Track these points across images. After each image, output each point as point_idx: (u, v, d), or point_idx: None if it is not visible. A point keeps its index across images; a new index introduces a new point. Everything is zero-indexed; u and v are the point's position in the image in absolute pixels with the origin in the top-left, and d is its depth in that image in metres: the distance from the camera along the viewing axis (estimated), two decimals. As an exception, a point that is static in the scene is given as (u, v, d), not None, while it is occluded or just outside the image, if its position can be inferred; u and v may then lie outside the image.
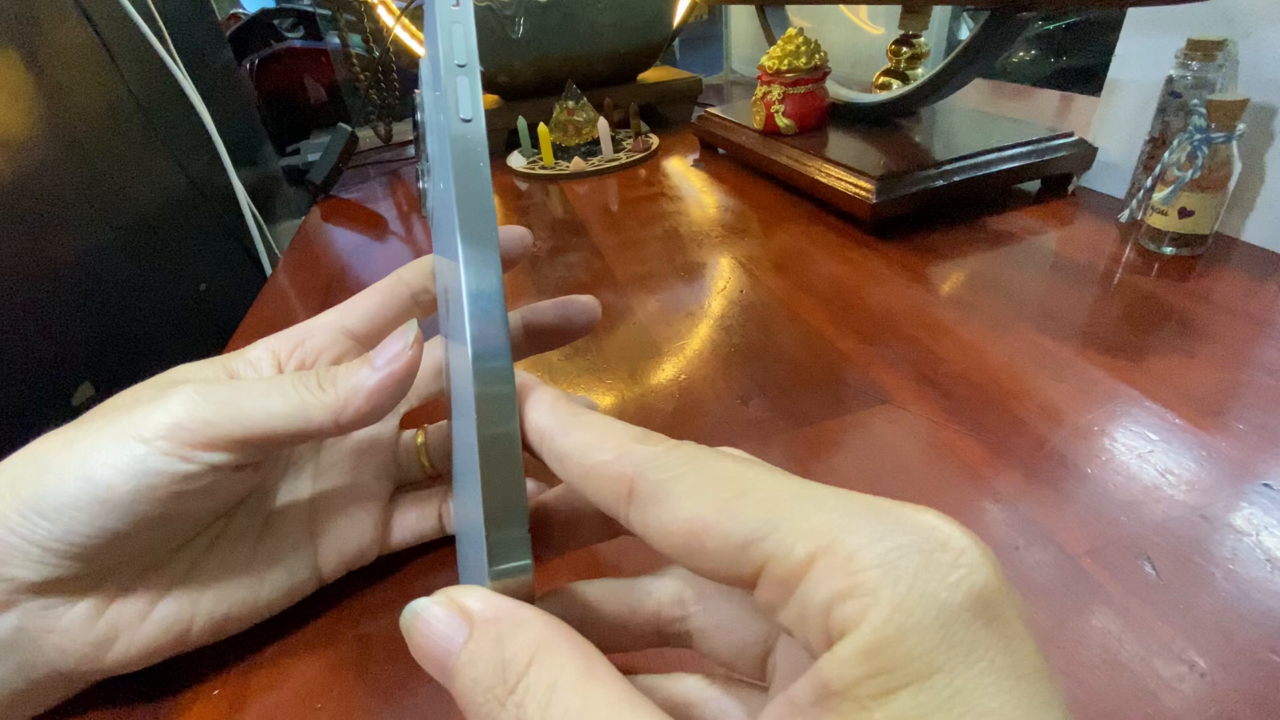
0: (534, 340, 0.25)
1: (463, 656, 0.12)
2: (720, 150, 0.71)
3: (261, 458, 0.21)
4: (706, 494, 0.11)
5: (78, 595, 0.19)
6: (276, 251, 0.90)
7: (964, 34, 0.80)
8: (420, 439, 0.27)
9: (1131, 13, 0.48)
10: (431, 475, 0.27)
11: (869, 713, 0.09)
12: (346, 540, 0.23)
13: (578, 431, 0.13)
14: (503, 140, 0.83)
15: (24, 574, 0.17)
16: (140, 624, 0.19)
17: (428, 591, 0.13)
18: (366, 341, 0.24)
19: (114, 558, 0.19)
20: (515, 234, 0.25)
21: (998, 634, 0.09)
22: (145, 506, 0.17)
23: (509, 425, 0.14)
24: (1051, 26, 0.79)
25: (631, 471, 0.12)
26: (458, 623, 0.12)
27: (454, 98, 0.15)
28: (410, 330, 0.19)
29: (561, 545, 0.18)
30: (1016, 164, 0.50)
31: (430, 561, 0.26)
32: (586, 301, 0.25)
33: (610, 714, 0.10)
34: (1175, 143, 0.40)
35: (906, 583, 0.09)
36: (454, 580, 0.25)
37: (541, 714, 0.10)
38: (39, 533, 0.17)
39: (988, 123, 0.56)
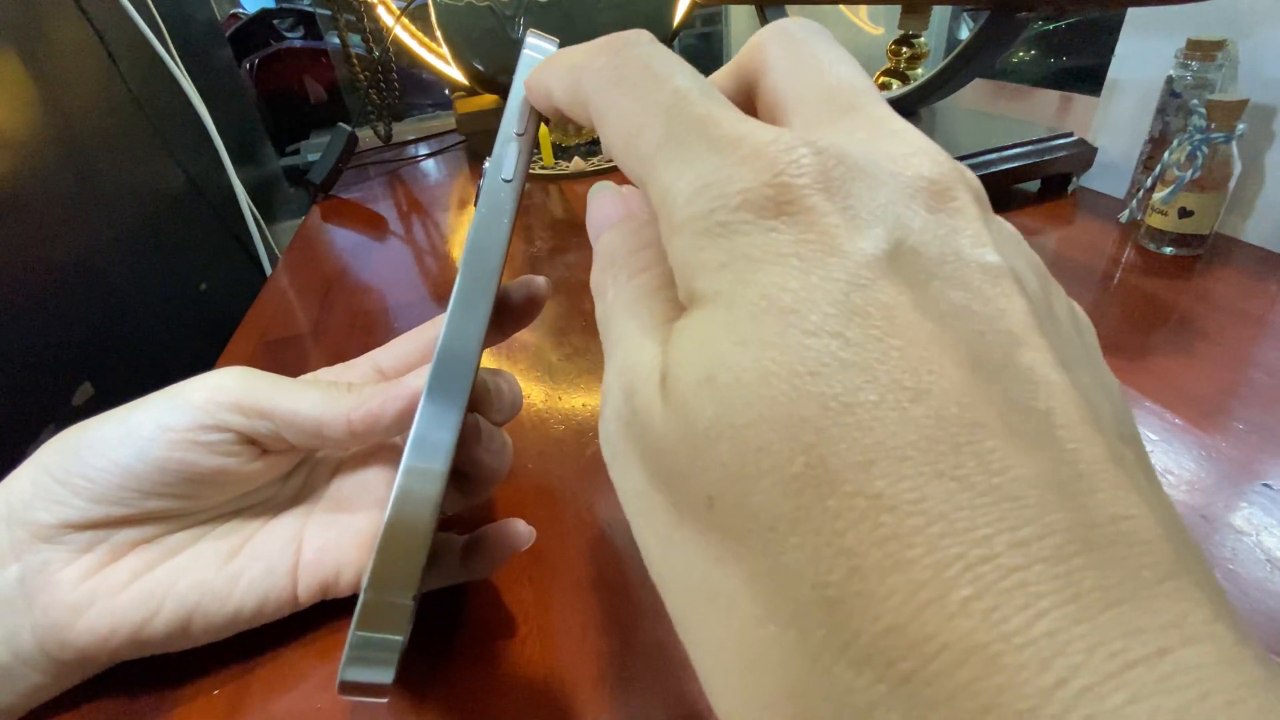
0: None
1: (606, 233, 0.14)
2: (720, 150, 0.71)
3: (277, 447, 0.21)
4: (621, 124, 0.12)
5: (77, 551, 0.20)
6: (276, 251, 0.90)
7: (964, 34, 0.80)
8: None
9: (1131, 13, 0.48)
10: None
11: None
12: (325, 558, 0.23)
13: (552, 68, 0.15)
14: (503, 140, 0.83)
15: (45, 516, 0.19)
16: (117, 594, 0.20)
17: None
18: (392, 376, 0.25)
19: (122, 501, 0.20)
20: (532, 286, 0.23)
21: (785, 226, 0.09)
22: (160, 449, 0.19)
23: (428, 500, 0.16)
24: (1051, 26, 0.79)
25: (585, 100, 0.13)
26: (618, 211, 0.14)
27: (499, 157, 0.18)
28: None
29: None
30: (1016, 164, 0.50)
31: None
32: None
33: (631, 322, 0.12)
34: (1175, 143, 0.40)
35: (700, 213, 0.10)
36: (472, 589, 0.25)
37: (615, 290, 0.13)
38: (70, 469, 0.19)
39: (988, 123, 0.56)
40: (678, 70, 0.12)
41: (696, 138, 0.11)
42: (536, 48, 0.18)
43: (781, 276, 0.09)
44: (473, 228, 0.17)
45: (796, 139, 0.10)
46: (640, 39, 0.13)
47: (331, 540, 0.23)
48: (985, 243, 0.10)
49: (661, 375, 0.10)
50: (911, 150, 0.11)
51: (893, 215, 0.10)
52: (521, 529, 0.23)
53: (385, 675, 0.16)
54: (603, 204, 0.14)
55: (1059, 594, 0.07)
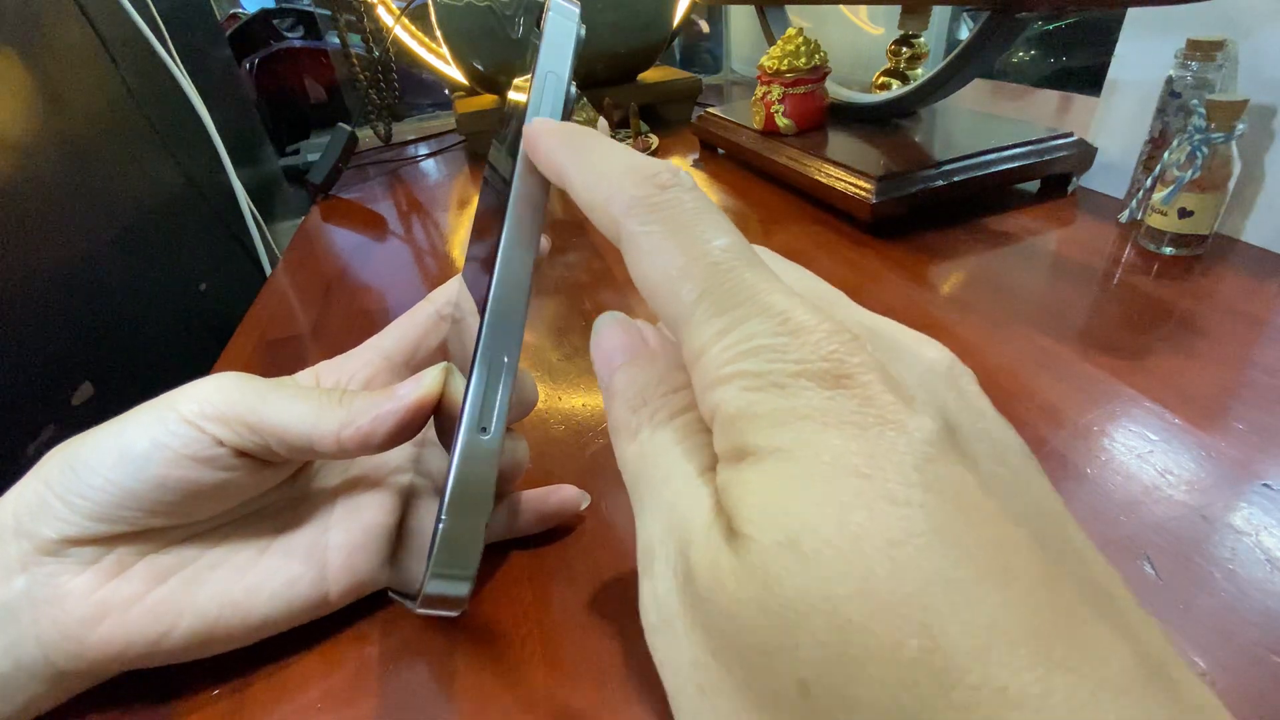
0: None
1: (621, 371, 0.14)
2: (720, 150, 0.71)
3: (272, 459, 0.21)
4: (661, 262, 0.12)
5: (84, 564, 0.19)
6: (276, 251, 0.90)
7: (964, 34, 0.80)
8: None
9: (1131, 13, 0.48)
10: None
11: (731, 475, 0.10)
12: (356, 562, 0.23)
13: (584, 167, 0.14)
14: (503, 140, 0.83)
15: (47, 531, 0.19)
16: (130, 608, 0.19)
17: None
18: (397, 359, 0.25)
19: (123, 519, 0.19)
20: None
21: (844, 397, 0.10)
22: (156, 468, 0.19)
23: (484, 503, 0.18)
24: (1051, 26, 0.79)
25: (618, 217, 0.13)
26: (631, 343, 0.14)
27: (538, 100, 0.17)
28: (437, 369, 0.21)
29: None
30: (1016, 164, 0.50)
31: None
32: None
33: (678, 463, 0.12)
34: (1175, 143, 0.40)
35: (754, 371, 0.10)
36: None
37: (651, 431, 0.13)
38: (68, 486, 0.19)
39: (988, 123, 0.56)
40: (724, 227, 0.12)
41: (745, 300, 0.11)
42: (561, 8, 0.18)
43: (848, 440, 0.09)
44: (515, 189, 0.18)
45: (838, 323, 0.11)
46: (685, 182, 0.13)
47: (358, 544, 0.23)
48: (1003, 423, 0.11)
49: (725, 530, 0.10)
50: (916, 336, 0.12)
51: (933, 397, 0.11)
52: (574, 493, 0.26)
53: (463, 588, 0.17)
54: (614, 335, 0.15)
55: None
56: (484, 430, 0.17)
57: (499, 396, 0.17)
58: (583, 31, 0.18)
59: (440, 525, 0.17)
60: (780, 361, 0.10)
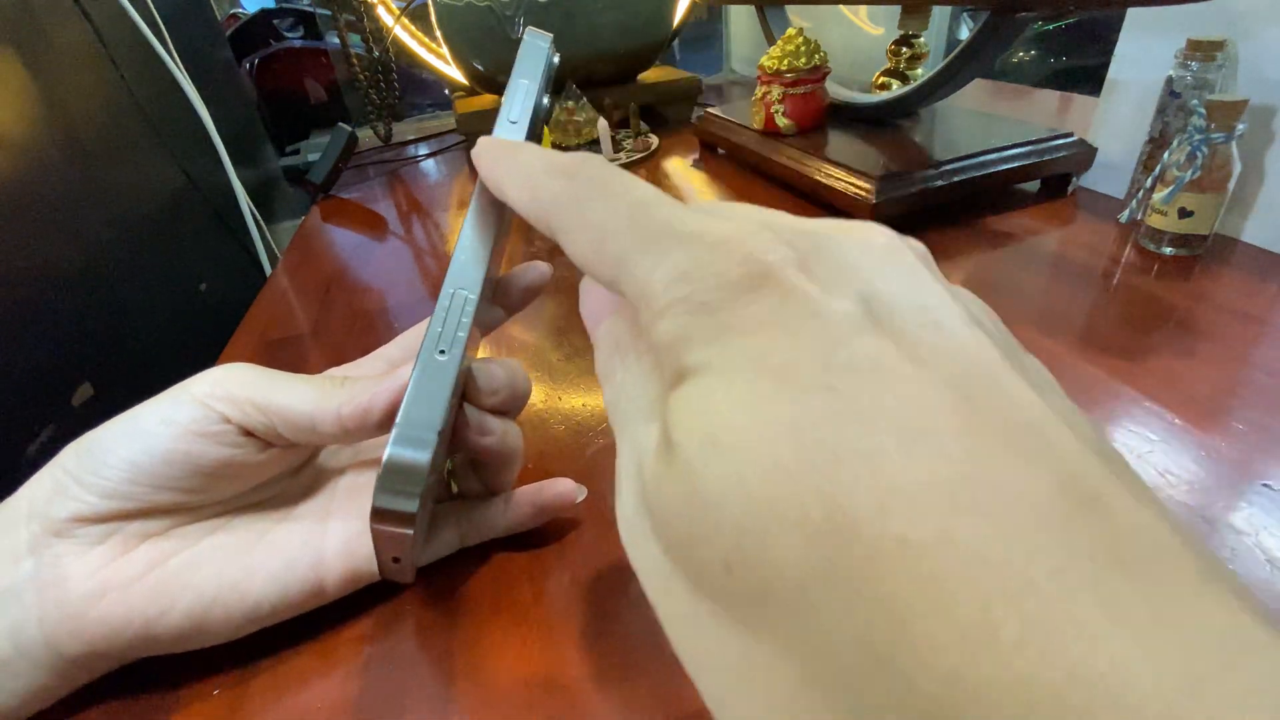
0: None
1: (602, 326, 0.15)
2: (720, 150, 0.71)
3: (277, 441, 0.21)
4: (587, 237, 0.13)
5: (90, 544, 0.20)
6: (276, 251, 0.90)
7: (964, 34, 0.80)
8: (449, 462, 0.27)
9: (1131, 13, 0.48)
10: (454, 495, 0.27)
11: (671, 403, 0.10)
12: (354, 548, 0.23)
13: (514, 176, 0.15)
14: (503, 140, 0.83)
15: (59, 511, 0.20)
16: (131, 586, 0.20)
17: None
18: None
19: (133, 495, 0.20)
20: (535, 273, 0.25)
21: (763, 298, 0.10)
22: (164, 442, 0.20)
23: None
24: (1051, 26, 0.79)
25: (545, 216, 0.14)
26: (613, 300, 0.15)
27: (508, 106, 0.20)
28: None
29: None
30: (1016, 164, 0.50)
31: (446, 569, 0.26)
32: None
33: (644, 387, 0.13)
34: (1175, 143, 0.40)
35: (682, 297, 0.11)
36: (472, 590, 0.25)
37: (624, 373, 0.13)
38: (83, 467, 0.20)
39: (988, 123, 0.56)
40: (632, 183, 0.13)
41: (663, 236, 0.11)
42: (533, 44, 0.20)
43: (767, 342, 0.10)
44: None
45: (756, 224, 0.11)
46: (592, 164, 0.14)
47: (356, 532, 0.23)
48: (945, 294, 0.11)
49: (665, 444, 0.10)
50: (855, 224, 0.12)
51: (860, 277, 0.10)
52: (570, 486, 0.26)
53: (411, 505, 0.19)
54: (597, 291, 0.16)
55: (1109, 619, 0.07)
56: (442, 353, 0.19)
57: (458, 324, 0.20)
58: (556, 59, 0.21)
59: (393, 435, 0.19)
60: (703, 281, 0.10)
